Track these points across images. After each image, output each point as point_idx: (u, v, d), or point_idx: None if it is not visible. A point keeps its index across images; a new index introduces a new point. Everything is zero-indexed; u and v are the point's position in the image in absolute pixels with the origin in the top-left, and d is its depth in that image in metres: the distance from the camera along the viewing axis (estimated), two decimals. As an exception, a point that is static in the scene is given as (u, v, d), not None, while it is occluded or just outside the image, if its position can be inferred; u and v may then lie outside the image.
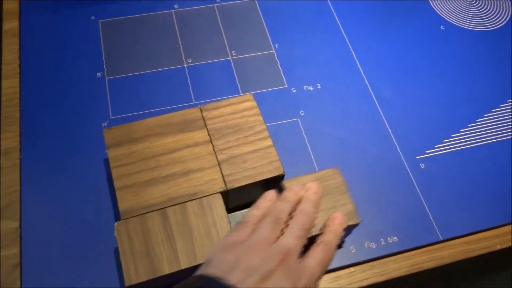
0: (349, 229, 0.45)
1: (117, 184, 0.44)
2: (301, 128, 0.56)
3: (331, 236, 0.38)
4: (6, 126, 0.53)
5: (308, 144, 0.55)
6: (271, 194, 0.41)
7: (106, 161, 0.52)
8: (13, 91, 0.55)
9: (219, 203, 0.43)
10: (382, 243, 0.49)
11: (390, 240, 0.50)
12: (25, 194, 0.49)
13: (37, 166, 0.51)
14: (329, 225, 0.40)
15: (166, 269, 0.39)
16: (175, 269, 0.39)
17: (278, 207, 0.38)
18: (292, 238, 0.35)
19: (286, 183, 0.44)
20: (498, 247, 0.51)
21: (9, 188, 0.50)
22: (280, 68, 0.61)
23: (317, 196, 0.41)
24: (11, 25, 0.60)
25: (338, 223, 0.40)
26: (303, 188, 0.42)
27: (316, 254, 0.36)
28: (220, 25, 0.64)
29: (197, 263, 0.40)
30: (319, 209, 0.42)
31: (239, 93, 0.58)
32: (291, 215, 0.38)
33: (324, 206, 0.43)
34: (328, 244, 0.37)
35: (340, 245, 0.49)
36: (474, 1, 0.73)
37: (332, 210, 0.43)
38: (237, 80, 0.59)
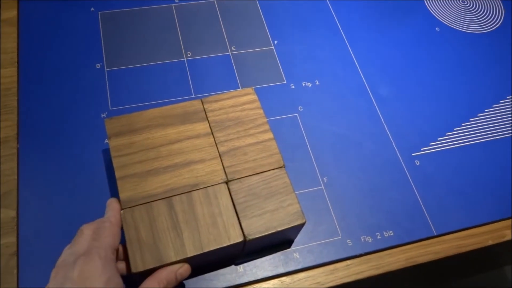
0: (295, 230, 0.45)
1: (118, 173, 0.44)
2: (300, 123, 0.57)
3: None
4: (4, 115, 0.52)
5: (306, 139, 0.56)
6: None
7: (105, 152, 0.52)
8: (11, 80, 0.55)
9: (224, 193, 0.43)
10: (378, 237, 0.50)
11: (386, 234, 0.51)
12: (23, 183, 0.49)
13: (34, 156, 0.51)
14: None
15: (172, 256, 0.39)
16: (181, 256, 0.39)
17: None
18: None
19: None
20: (490, 242, 0.52)
21: (7, 176, 0.49)
22: (279, 64, 0.62)
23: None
24: (10, 14, 0.60)
25: None
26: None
27: None
28: (220, 20, 0.65)
29: (203, 251, 0.40)
30: (266, 210, 0.43)
31: (238, 88, 0.59)
32: None
33: (271, 207, 0.43)
34: None
35: (289, 245, 0.49)
36: (468, 4, 0.74)
37: (278, 211, 0.43)
38: (236, 75, 0.60)
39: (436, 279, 0.70)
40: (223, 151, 0.46)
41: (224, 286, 0.46)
